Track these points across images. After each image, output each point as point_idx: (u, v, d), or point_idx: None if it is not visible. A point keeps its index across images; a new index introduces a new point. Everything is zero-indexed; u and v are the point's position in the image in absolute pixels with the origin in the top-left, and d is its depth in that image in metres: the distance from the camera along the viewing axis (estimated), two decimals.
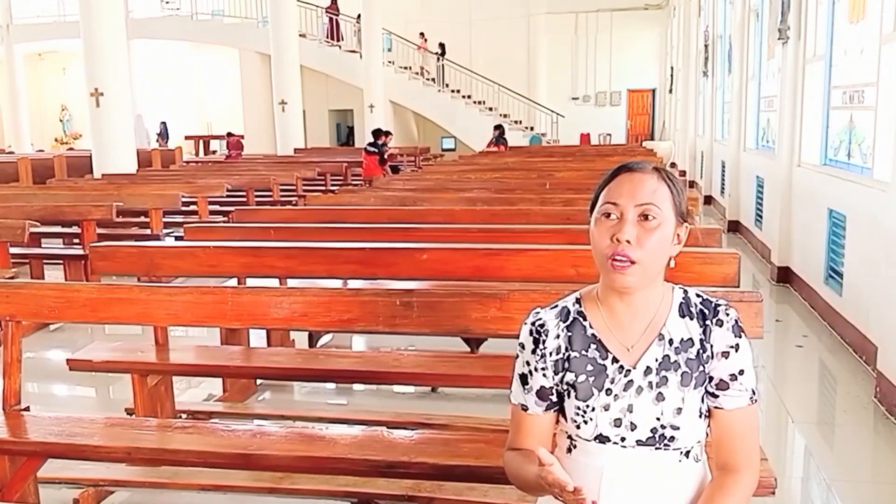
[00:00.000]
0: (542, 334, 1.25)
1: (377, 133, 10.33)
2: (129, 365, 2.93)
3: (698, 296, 1.25)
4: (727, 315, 1.21)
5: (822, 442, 3.31)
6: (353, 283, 3.69)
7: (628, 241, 1.15)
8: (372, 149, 10.01)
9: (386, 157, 10.19)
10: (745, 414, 1.22)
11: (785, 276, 5.80)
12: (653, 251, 1.17)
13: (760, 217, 7.17)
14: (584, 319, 1.25)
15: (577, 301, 1.27)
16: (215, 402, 3.54)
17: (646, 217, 1.17)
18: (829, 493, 2.78)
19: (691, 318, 1.22)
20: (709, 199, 10.93)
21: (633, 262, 1.15)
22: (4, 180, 9.34)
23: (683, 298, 1.24)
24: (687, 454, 1.22)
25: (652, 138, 19.31)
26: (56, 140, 21.20)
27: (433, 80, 17.54)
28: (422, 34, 17.97)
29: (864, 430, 3.32)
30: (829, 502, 2.73)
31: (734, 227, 8.43)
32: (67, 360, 2.93)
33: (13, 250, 5.20)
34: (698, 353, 1.21)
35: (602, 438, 1.21)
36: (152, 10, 18.29)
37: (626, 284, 1.18)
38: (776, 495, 1.86)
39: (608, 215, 1.19)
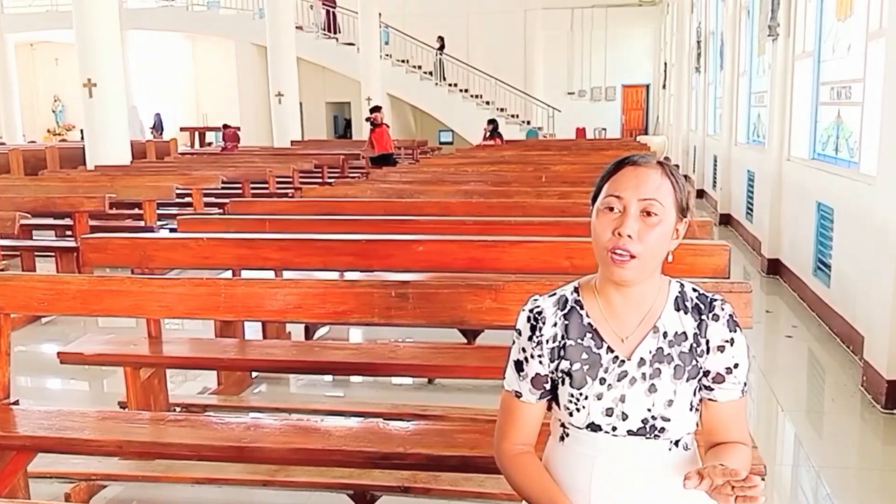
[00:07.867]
0: (540, 321, 1.26)
1: (376, 109, 10.61)
2: (122, 358, 2.90)
3: (694, 290, 1.26)
4: (722, 310, 1.23)
5: (810, 430, 3.35)
6: (349, 275, 3.69)
7: (630, 236, 1.16)
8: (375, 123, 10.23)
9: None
10: (736, 405, 1.25)
11: (775, 267, 5.84)
12: (653, 247, 1.18)
13: (751, 210, 7.21)
14: (581, 308, 1.26)
15: (576, 290, 1.28)
16: (210, 396, 3.51)
17: (648, 213, 1.18)
18: (817, 479, 2.82)
19: (686, 312, 1.23)
20: (701, 193, 10.97)
21: (632, 257, 1.16)
22: None
23: (679, 292, 1.25)
24: (676, 443, 1.24)
25: (646, 133, 19.35)
26: (48, 131, 21.04)
27: (430, 73, 17.49)
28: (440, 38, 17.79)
29: (851, 418, 3.36)
30: (818, 489, 2.77)
31: (725, 220, 8.48)
32: (58, 353, 2.90)
33: (4, 242, 5.18)
34: (692, 346, 1.22)
35: (594, 427, 1.22)
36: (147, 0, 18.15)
37: (624, 278, 1.19)
38: (766, 482, 1.89)
39: (611, 208, 1.19)
